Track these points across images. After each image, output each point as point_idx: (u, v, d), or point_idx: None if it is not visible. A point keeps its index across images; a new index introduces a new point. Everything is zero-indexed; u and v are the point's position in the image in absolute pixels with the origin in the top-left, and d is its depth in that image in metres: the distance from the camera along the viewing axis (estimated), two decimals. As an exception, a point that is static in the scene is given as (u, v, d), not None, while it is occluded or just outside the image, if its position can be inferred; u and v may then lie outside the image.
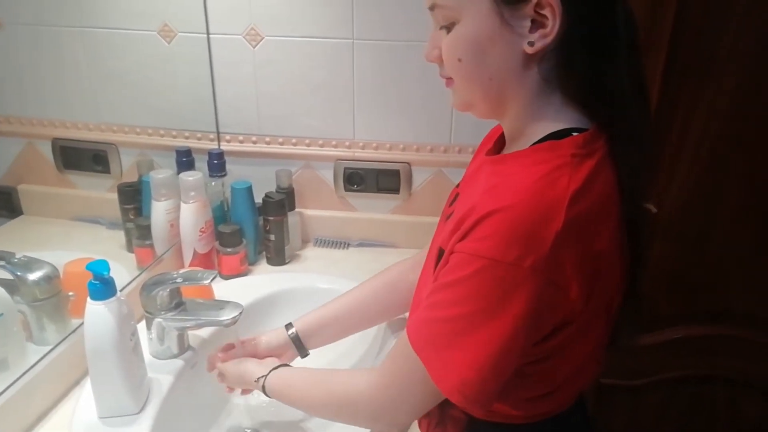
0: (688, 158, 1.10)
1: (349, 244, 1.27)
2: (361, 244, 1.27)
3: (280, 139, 1.22)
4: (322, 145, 1.22)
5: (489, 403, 0.58)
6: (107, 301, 0.70)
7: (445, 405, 0.63)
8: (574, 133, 0.57)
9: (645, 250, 0.64)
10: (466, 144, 1.20)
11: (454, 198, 0.77)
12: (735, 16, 1.00)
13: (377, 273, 0.93)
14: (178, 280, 0.80)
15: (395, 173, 1.23)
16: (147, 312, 0.81)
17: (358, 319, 0.91)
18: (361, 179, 1.23)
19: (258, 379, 0.78)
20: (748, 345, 1.22)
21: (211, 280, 0.79)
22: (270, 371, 0.78)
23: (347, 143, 1.22)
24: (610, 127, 0.58)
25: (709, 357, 1.25)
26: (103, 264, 0.70)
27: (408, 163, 1.22)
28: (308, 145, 1.22)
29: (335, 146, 1.22)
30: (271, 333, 0.88)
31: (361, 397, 0.66)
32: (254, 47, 1.15)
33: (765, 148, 1.08)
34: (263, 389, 0.77)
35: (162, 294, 0.80)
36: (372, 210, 1.27)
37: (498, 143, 0.70)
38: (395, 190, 1.24)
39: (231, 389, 0.87)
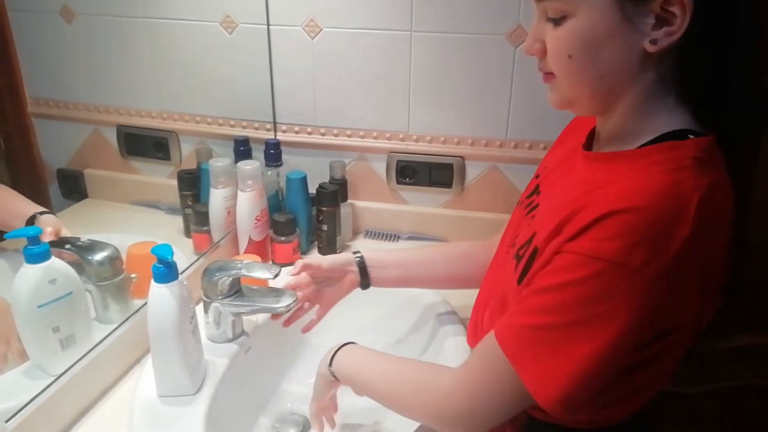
0: None
1: (399, 237, 1.27)
2: (411, 238, 1.27)
3: (335, 131, 1.23)
4: (376, 137, 1.22)
5: (586, 412, 0.57)
6: (170, 284, 0.72)
7: None
8: (691, 136, 0.55)
9: (744, 264, 0.61)
10: (523, 139, 1.17)
11: (534, 189, 0.75)
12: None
13: (447, 243, 0.91)
14: (242, 270, 0.81)
15: (448, 167, 1.22)
16: (206, 296, 0.83)
17: (424, 274, 0.91)
18: (414, 172, 1.23)
19: (331, 352, 0.77)
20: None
21: (274, 277, 0.80)
22: (341, 346, 0.77)
23: (401, 136, 1.21)
24: (725, 133, 0.56)
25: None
26: (168, 248, 0.72)
27: (462, 157, 1.21)
28: (362, 137, 1.22)
29: (389, 138, 1.22)
30: (336, 254, 0.88)
31: (444, 392, 0.63)
32: (313, 39, 1.16)
33: None
34: (331, 361, 0.76)
35: (223, 281, 0.81)
36: (423, 203, 1.26)
37: (590, 137, 0.67)
38: (448, 184, 1.23)
39: None
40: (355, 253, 0.90)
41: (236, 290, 0.84)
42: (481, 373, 0.60)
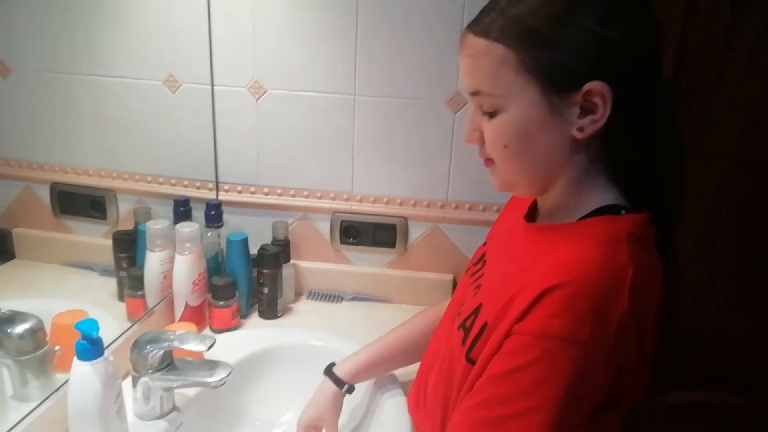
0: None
1: (342, 298, 1.26)
2: (354, 298, 1.26)
3: (279, 190, 1.22)
4: (320, 197, 1.22)
5: None
6: (94, 361, 0.68)
7: None
8: (623, 211, 0.59)
9: (674, 325, 0.63)
10: (463, 201, 1.20)
11: (480, 257, 0.77)
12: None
13: (418, 312, 0.95)
14: (175, 342, 0.78)
15: (392, 227, 1.23)
16: (135, 371, 0.79)
17: (405, 358, 0.92)
18: (358, 232, 1.23)
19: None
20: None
21: (208, 349, 0.78)
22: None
23: (345, 196, 1.22)
24: (654, 210, 0.59)
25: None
26: (93, 324, 0.69)
27: (405, 217, 1.22)
28: (306, 196, 1.22)
29: (333, 198, 1.22)
30: (324, 397, 0.86)
31: None
32: (257, 100, 1.16)
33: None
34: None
35: (154, 354, 0.78)
36: (367, 264, 1.27)
37: (532, 209, 0.70)
38: (391, 245, 1.24)
39: None
40: (340, 384, 0.87)
41: (168, 363, 0.80)
42: None
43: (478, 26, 0.58)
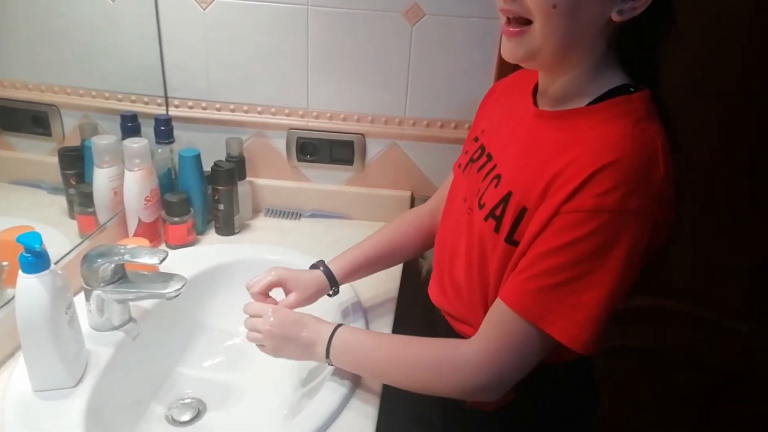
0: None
1: (300, 215, 1.26)
2: (313, 215, 1.26)
3: (231, 106, 1.19)
4: (274, 114, 1.20)
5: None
6: (40, 274, 0.68)
7: None
8: (631, 89, 0.64)
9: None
10: (421, 117, 1.19)
11: (480, 151, 0.79)
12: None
13: (396, 218, 0.98)
14: (125, 256, 0.78)
15: (349, 144, 1.22)
16: (86, 284, 0.79)
17: (390, 259, 0.96)
18: (315, 149, 1.22)
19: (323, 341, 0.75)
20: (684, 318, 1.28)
21: (161, 262, 0.77)
22: (336, 328, 0.76)
23: (301, 112, 1.20)
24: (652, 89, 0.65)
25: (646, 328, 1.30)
26: (35, 236, 0.68)
27: (362, 134, 1.21)
28: (260, 112, 1.20)
29: (288, 115, 1.20)
30: (306, 273, 0.87)
31: (470, 366, 0.67)
32: (204, 9, 1.11)
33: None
34: (327, 348, 0.74)
35: (105, 268, 0.78)
36: (325, 181, 1.26)
37: (534, 94, 0.74)
38: (349, 162, 1.23)
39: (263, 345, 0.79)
40: (324, 269, 0.88)
41: (120, 276, 0.81)
42: (506, 341, 0.65)
43: None
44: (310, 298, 0.86)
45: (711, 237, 1.22)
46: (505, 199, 0.68)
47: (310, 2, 1.10)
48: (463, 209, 0.79)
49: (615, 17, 0.61)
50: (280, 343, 0.77)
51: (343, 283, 0.90)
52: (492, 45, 1.11)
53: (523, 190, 0.66)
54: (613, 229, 0.58)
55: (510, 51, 0.66)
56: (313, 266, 0.90)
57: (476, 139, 0.83)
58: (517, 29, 0.64)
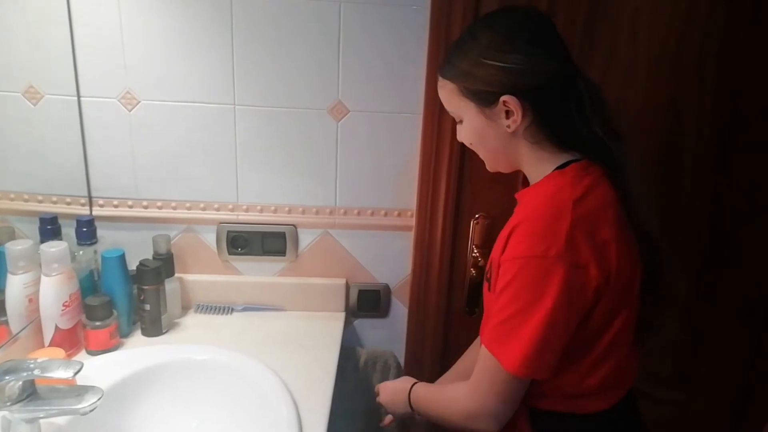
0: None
1: (233, 309, 1.23)
2: (246, 309, 1.24)
3: (159, 203, 1.18)
4: (204, 209, 1.19)
5: (549, 372, 0.74)
6: (-65, 399, 0.63)
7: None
8: (573, 162, 0.79)
9: (661, 253, 0.81)
10: (352, 206, 1.22)
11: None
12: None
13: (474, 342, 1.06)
14: (35, 371, 0.73)
15: (281, 235, 1.22)
16: (-10, 404, 0.73)
17: None
18: (246, 242, 1.22)
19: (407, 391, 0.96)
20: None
21: (75, 374, 0.73)
22: (411, 386, 0.96)
23: (230, 206, 1.20)
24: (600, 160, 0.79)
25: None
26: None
27: (294, 225, 1.22)
28: (189, 208, 1.19)
29: (218, 209, 1.20)
30: (397, 395, 0.99)
31: (461, 401, 0.81)
32: (130, 111, 1.12)
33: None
34: (410, 402, 0.95)
35: (11, 386, 0.73)
36: (257, 273, 1.25)
37: (525, 181, 0.89)
38: (281, 252, 1.23)
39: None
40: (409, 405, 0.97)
41: (29, 393, 0.75)
42: (481, 372, 0.79)
43: (440, 70, 0.84)
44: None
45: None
46: (490, 264, 0.84)
47: (237, 101, 1.13)
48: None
49: (508, 131, 0.80)
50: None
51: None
52: (414, 137, 1.16)
53: (495, 252, 0.81)
54: (530, 272, 0.72)
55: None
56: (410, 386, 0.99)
57: None
58: None
